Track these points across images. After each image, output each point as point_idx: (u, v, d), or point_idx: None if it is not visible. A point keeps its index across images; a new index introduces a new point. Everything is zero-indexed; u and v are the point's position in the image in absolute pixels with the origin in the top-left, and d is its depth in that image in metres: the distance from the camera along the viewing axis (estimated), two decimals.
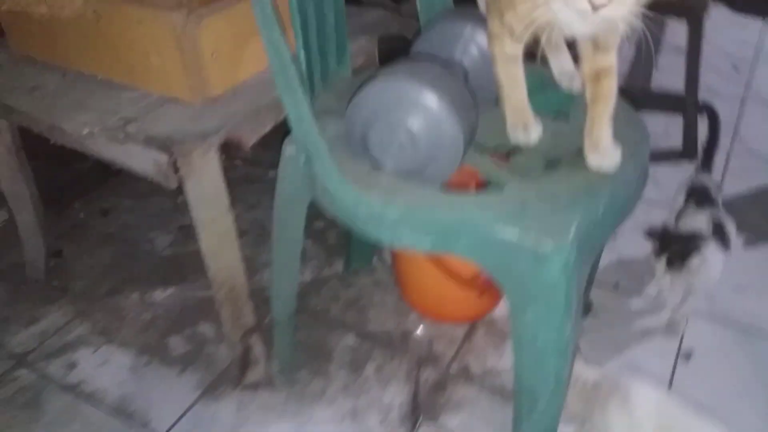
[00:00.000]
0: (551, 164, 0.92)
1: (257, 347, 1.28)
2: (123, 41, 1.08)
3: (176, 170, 1.01)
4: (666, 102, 1.97)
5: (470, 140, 0.90)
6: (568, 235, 0.80)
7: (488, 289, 1.32)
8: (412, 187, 0.87)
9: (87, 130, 1.05)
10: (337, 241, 1.63)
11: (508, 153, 0.94)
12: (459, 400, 1.27)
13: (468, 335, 1.40)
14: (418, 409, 1.25)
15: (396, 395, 1.28)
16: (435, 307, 1.41)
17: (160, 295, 1.52)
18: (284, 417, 1.25)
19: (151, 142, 1.01)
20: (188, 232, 1.68)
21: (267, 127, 1.09)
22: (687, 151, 1.88)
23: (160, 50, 1.04)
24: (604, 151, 0.87)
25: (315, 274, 1.56)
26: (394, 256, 1.42)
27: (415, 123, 0.85)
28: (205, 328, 1.43)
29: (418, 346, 1.38)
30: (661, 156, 1.88)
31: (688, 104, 1.84)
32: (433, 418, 1.24)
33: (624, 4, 0.73)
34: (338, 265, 1.58)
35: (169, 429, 1.23)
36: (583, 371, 1.07)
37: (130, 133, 1.02)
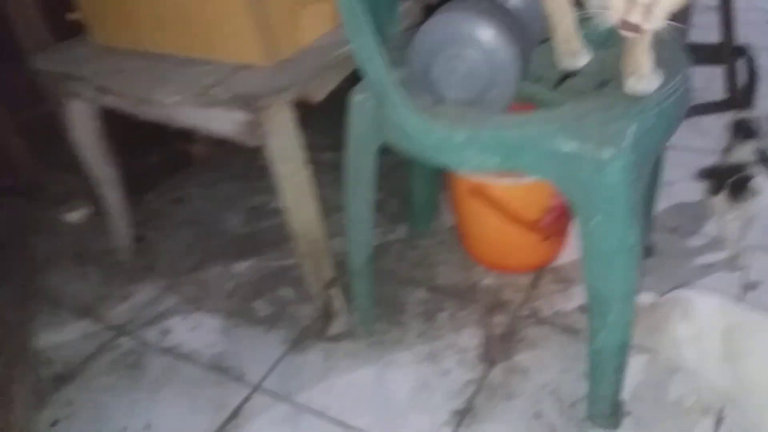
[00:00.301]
0: (601, 86, 0.98)
1: (337, 301, 1.37)
2: (197, 16, 1.19)
3: (257, 127, 1.11)
4: (704, 53, 1.98)
5: (524, 68, 0.97)
6: (625, 141, 0.87)
7: (552, 232, 1.38)
8: (475, 112, 0.94)
9: (173, 99, 1.16)
10: (398, 210, 1.70)
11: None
12: (531, 340, 1.33)
13: (534, 282, 1.46)
14: (493, 349, 1.32)
15: (470, 339, 1.35)
16: (500, 258, 1.47)
17: (240, 267, 1.63)
18: (368, 362, 1.33)
19: (233, 102, 1.11)
20: (258, 212, 1.80)
21: (331, 85, 1.18)
22: (731, 100, 1.90)
23: (232, 19, 1.15)
24: (642, 75, 0.93)
25: (380, 240, 1.63)
26: (458, 212, 1.49)
27: (473, 54, 0.93)
28: (286, 292, 1.52)
29: (487, 295, 1.45)
30: (706, 108, 1.90)
31: (725, 50, 1.85)
32: (508, 357, 1.30)
33: (656, 19, 0.78)
34: (401, 231, 1.66)
35: (263, 379, 1.32)
36: (643, 299, 1.11)
37: (213, 97, 1.12)
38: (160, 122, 1.27)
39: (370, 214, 1.22)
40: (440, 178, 1.54)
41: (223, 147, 1.98)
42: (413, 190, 1.55)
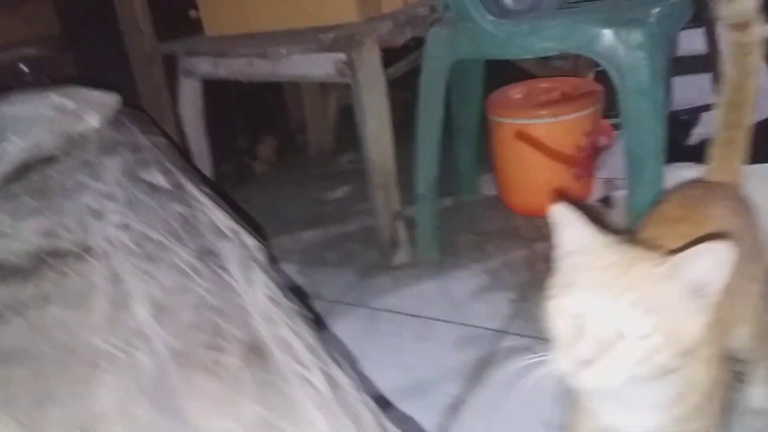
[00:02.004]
0: None
1: (402, 232, 1.61)
2: None
3: (352, 64, 1.42)
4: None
5: None
6: (650, 19, 1.18)
7: (585, 169, 1.65)
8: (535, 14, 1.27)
9: (288, 48, 1.49)
10: (444, 187, 1.78)
11: None
12: None
13: None
14: (539, 261, 1.54)
15: (518, 258, 1.58)
16: (538, 201, 1.69)
17: (307, 235, 1.86)
18: (432, 278, 1.55)
19: (336, 43, 1.43)
20: (318, 202, 2.06)
21: (408, 35, 1.53)
22: None
23: None
24: None
25: None
26: (500, 161, 1.74)
27: None
28: (351, 246, 1.75)
29: (529, 232, 1.69)
30: None
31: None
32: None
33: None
34: (448, 202, 1.87)
35: (339, 296, 1.54)
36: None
37: (321, 41, 1.45)
38: (265, 80, 1.59)
39: (438, 135, 1.49)
40: (481, 148, 1.82)
41: (276, 165, 2.33)
42: (458, 159, 1.82)
